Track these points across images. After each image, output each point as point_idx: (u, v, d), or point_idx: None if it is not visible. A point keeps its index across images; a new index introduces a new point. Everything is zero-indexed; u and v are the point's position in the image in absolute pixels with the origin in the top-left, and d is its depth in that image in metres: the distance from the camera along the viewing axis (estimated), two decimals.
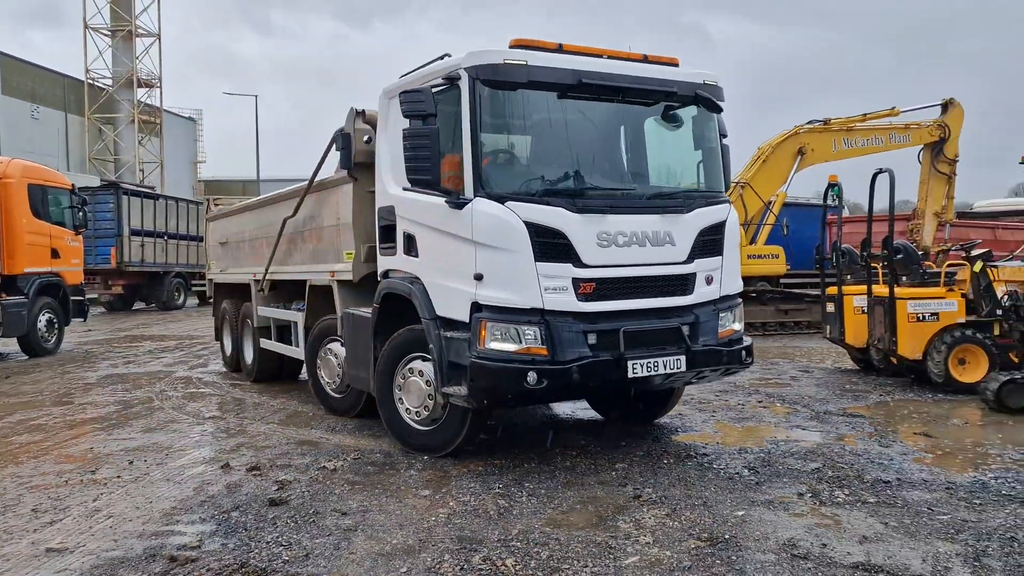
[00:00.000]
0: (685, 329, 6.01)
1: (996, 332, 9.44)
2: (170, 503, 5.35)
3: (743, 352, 6.36)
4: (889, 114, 16.61)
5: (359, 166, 7.14)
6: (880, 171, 9.70)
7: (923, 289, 9.73)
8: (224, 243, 11.22)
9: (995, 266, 9.87)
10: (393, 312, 6.56)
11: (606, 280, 5.75)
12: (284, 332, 9.57)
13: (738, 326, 6.49)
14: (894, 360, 9.89)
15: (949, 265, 10.21)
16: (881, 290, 9.79)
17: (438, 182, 5.71)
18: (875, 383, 10.00)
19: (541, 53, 5.81)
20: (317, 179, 8.02)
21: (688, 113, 6.50)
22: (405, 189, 6.25)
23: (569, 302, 5.61)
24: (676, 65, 6.43)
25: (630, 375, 5.70)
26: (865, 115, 16.59)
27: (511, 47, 5.79)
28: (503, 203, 5.57)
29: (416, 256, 6.25)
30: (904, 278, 9.94)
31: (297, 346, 8.97)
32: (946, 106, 16.80)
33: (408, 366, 6.42)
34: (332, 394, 8.11)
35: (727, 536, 4.58)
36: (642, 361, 5.73)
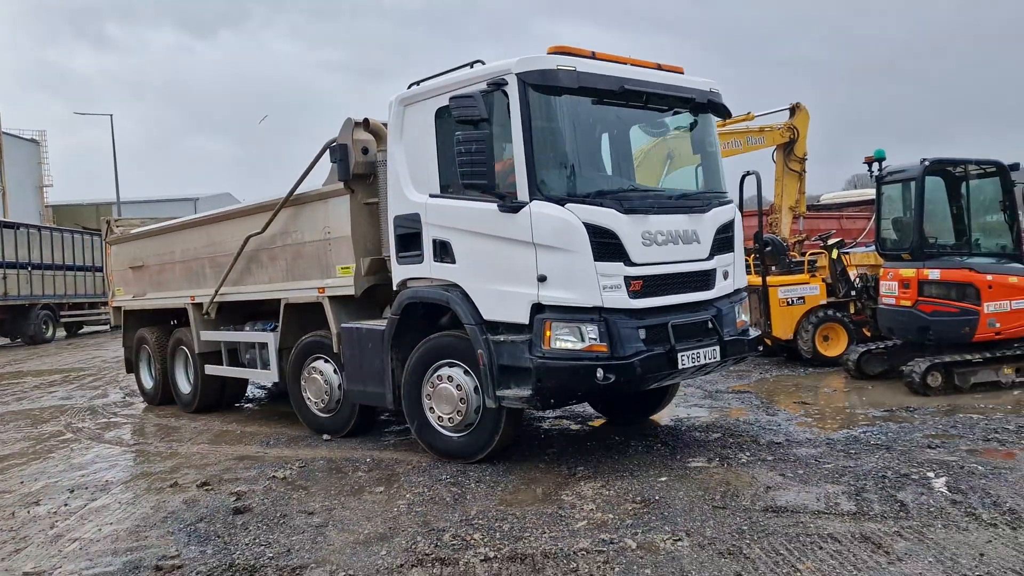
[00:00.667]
0: (713, 321, 6.30)
1: (852, 311, 10.80)
2: (132, 522, 5.52)
3: (756, 341, 6.80)
4: (745, 119, 18.14)
5: (356, 178, 7.06)
6: (748, 173, 10.86)
7: (790, 277, 10.98)
8: (139, 267, 10.64)
9: (848, 253, 11.27)
10: (408, 322, 6.62)
11: (651, 277, 5.93)
12: (235, 356, 9.22)
13: (746, 317, 6.77)
14: (769, 342, 11.08)
15: (811, 254, 11.53)
16: (755, 280, 10.94)
17: (494, 186, 5.73)
18: (754, 363, 11.15)
19: (583, 60, 5.94)
20: (298, 193, 7.68)
21: (687, 119, 6.74)
22: (433, 196, 6.31)
23: (623, 299, 5.75)
24: (682, 73, 6.65)
25: (680, 366, 5.91)
26: (724, 120, 18.05)
27: (550, 53, 5.88)
28: (562, 205, 5.68)
29: (453, 263, 6.20)
30: (773, 268, 11.14)
31: (266, 368, 8.51)
32: (793, 110, 18.54)
33: (436, 374, 6.41)
34: (319, 414, 7.83)
35: (657, 498, 5.29)
36: (688, 353, 5.96)
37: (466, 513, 5.19)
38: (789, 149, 18.60)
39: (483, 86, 5.81)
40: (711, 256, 6.36)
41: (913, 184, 8.91)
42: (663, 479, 5.72)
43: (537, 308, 5.70)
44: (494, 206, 5.82)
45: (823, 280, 10.90)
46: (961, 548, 4.19)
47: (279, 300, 8.23)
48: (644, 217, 5.93)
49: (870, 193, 18.58)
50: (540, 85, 5.71)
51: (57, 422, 9.94)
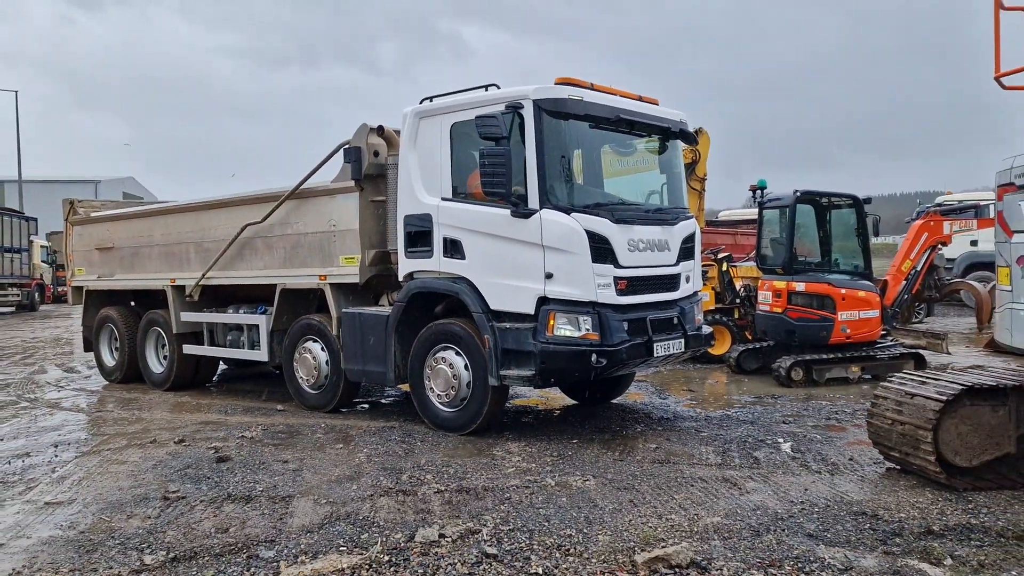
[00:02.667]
0: (678, 318, 7.29)
1: (736, 316, 12.48)
2: (128, 468, 6.45)
3: (710, 336, 7.91)
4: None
5: (366, 178, 7.84)
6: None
7: None
8: (108, 248, 10.88)
9: (735, 266, 12.98)
10: (409, 310, 7.46)
11: (633, 278, 6.87)
12: (214, 336, 9.71)
13: (700, 316, 7.83)
14: None
15: (703, 266, 13.18)
16: None
17: (510, 195, 6.59)
18: None
19: (586, 90, 6.84)
20: (303, 187, 8.34)
21: (661, 144, 7.70)
22: (445, 199, 7.15)
23: (612, 296, 6.67)
24: (658, 104, 7.58)
25: (656, 355, 6.90)
26: (690, 146, 19.68)
27: (557, 83, 6.76)
28: (568, 214, 6.56)
29: (463, 258, 7.01)
30: None
31: (255, 349, 9.13)
32: (696, 134, 20.44)
33: (436, 356, 7.27)
34: (309, 390, 8.57)
35: (570, 453, 6.62)
36: (662, 343, 6.99)
37: (417, 462, 6.38)
38: (690, 170, 20.49)
39: (501, 108, 6.63)
40: (678, 262, 7.42)
41: (787, 211, 10.59)
42: (574, 441, 7.06)
43: (542, 300, 6.62)
44: (506, 211, 6.69)
45: (712, 288, 12.54)
46: (793, 486, 5.67)
47: (270, 285, 8.85)
48: (630, 227, 6.91)
49: None
50: (553, 111, 6.60)
51: (6, 393, 10.50)
